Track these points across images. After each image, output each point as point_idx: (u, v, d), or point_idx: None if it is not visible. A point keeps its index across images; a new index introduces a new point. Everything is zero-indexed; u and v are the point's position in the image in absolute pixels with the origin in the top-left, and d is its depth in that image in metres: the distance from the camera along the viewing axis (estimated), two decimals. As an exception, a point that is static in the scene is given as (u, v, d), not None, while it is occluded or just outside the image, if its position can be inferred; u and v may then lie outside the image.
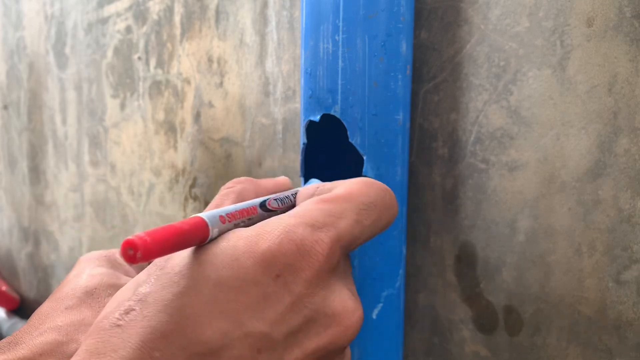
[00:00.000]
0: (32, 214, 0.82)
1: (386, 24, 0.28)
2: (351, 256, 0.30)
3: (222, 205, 0.23)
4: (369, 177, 0.29)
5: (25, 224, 0.85)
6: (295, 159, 0.40)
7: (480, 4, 0.30)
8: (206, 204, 0.49)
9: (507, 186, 0.29)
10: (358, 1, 0.28)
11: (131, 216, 0.60)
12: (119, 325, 0.17)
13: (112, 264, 0.28)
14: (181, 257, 0.19)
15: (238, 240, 0.19)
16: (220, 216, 0.20)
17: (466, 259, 0.32)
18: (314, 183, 0.28)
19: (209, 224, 0.19)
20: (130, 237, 0.16)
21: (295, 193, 0.25)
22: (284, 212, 0.22)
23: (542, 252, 0.28)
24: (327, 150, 0.33)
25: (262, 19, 0.42)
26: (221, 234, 0.19)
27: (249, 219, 0.21)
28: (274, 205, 0.23)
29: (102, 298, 0.25)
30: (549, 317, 0.29)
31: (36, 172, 0.79)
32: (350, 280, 0.22)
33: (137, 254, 0.16)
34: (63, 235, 0.75)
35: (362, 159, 0.29)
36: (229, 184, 0.25)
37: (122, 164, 0.61)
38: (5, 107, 0.73)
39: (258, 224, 0.20)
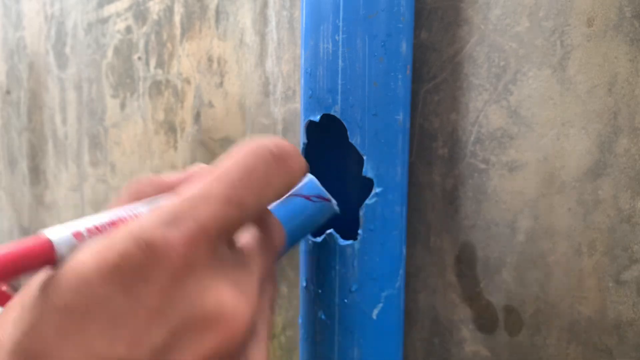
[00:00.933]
0: (32, 214, 0.82)
1: (386, 23, 0.28)
2: (351, 256, 0.30)
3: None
4: (369, 176, 0.29)
5: (26, 224, 0.85)
6: (295, 159, 0.40)
7: (480, 4, 0.30)
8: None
9: (507, 186, 0.29)
10: (358, 1, 0.28)
11: (131, 216, 0.60)
12: None
13: None
14: (33, 287, 0.16)
15: (88, 255, 0.16)
16: (76, 233, 0.17)
17: (466, 259, 0.32)
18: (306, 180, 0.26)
19: (56, 244, 0.16)
20: None
21: None
22: None
23: (542, 252, 0.28)
24: (327, 150, 0.33)
25: (262, 19, 0.42)
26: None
27: None
28: None
29: None
30: (549, 317, 0.29)
31: (36, 172, 0.79)
32: (241, 270, 0.18)
33: None
34: (63, 235, 0.75)
35: (362, 159, 0.29)
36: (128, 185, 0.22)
37: (122, 164, 0.61)
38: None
39: (117, 230, 0.16)
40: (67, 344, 0.15)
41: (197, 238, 0.16)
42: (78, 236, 0.16)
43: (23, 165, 0.83)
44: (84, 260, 0.16)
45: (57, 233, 0.16)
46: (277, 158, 0.19)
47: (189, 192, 0.17)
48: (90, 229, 0.17)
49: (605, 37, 0.26)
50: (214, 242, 0.17)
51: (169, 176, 0.22)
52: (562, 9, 0.27)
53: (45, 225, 0.79)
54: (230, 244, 0.19)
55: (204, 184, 0.17)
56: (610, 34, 0.25)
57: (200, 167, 0.22)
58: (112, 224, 0.17)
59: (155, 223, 0.16)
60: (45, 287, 0.16)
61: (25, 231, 0.86)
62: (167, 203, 0.17)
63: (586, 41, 0.26)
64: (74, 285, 0.15)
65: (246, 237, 0.21)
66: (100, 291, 0.15)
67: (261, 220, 0.21)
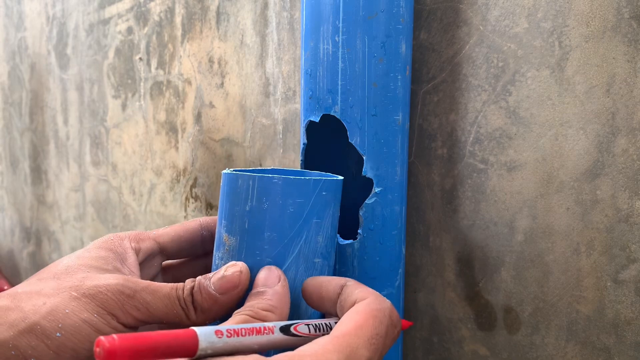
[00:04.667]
0: (34, 214, 0.83)
1: (386, 25, 0.28)
2: (350, 256, 0.30)
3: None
4: (369, 176, 0.29)
5: (27, 224, 0.85)
6: (295, 159, 0.40)
7: (479, 5, 0.30)
8: (207, 203, 0.49)
9: (505, 186, 0.30)
10: (358, 2, 0.28)
11: (132, 216, 0.60)
12: None
13: (110, 248, 0.28)
14: None
15: None
16: (217, 331, 0.19)
17: (465, 259, 0.32)
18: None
19: (200, 338, 0.19)
20: (104, 336, 0.16)
21: (329, 323, 0.23)
22: (309, 340, 0.21)
23: (541, 251, 0.29)
24: (327, 150, 0.33)
25: (262, 20, 0.42)
26: (216, 351, 0.19)
27: (260, 338, 0.21)
28: (302, 331, 0.22)
29: (77, 274, 0.25)
30: (547, 316, 0.29)
31: (38, 172, 0.79)
32: None
33: (99, 352, 0.16)
34: (65, 235, 0.75)
35: (362, 159, 0.29)
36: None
37: (123, 164, 0.61)
38: None
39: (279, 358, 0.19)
40: None
41: None
42: (218, 334, 0.19)
43: (25, 165, 0.83)
44: None
45: (203, 330, 0.19)
46: (396, 324, 0.23)
47: (345, 349, 0.20)
48: (229, 330, 0.20)
49: (604, 37, 0.26)
50: None
51: (327, 284, 0.25)
52: (560, 10, 0.27)
53: (46, 225, 0.80)
54: None
55: (354, 343, 0.21)
56: (608, 34, 0.26)
57: (350, 283, 0.25)
58: (250, 330, 0.20)
59: None
60: None
61: (27, 231, 0.86)
62: (328, 351, 0.20)
63: (584, 42, 0.26)
64: None
65: None
66: None
67: None
